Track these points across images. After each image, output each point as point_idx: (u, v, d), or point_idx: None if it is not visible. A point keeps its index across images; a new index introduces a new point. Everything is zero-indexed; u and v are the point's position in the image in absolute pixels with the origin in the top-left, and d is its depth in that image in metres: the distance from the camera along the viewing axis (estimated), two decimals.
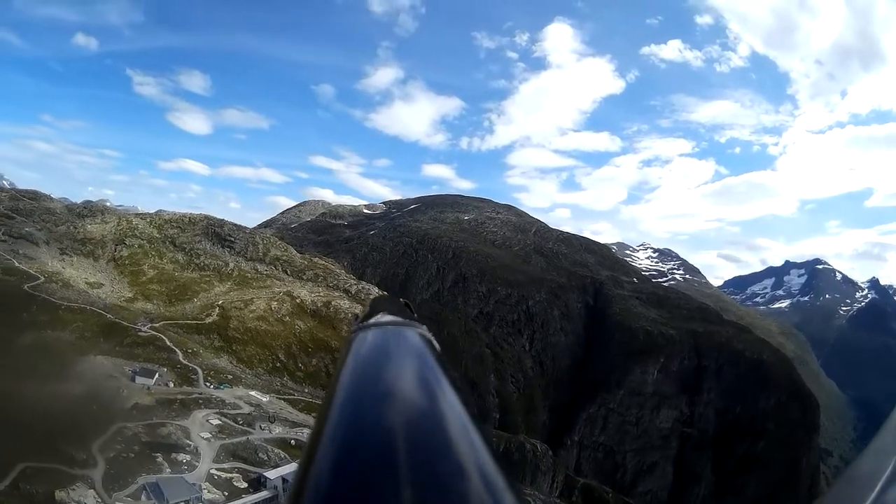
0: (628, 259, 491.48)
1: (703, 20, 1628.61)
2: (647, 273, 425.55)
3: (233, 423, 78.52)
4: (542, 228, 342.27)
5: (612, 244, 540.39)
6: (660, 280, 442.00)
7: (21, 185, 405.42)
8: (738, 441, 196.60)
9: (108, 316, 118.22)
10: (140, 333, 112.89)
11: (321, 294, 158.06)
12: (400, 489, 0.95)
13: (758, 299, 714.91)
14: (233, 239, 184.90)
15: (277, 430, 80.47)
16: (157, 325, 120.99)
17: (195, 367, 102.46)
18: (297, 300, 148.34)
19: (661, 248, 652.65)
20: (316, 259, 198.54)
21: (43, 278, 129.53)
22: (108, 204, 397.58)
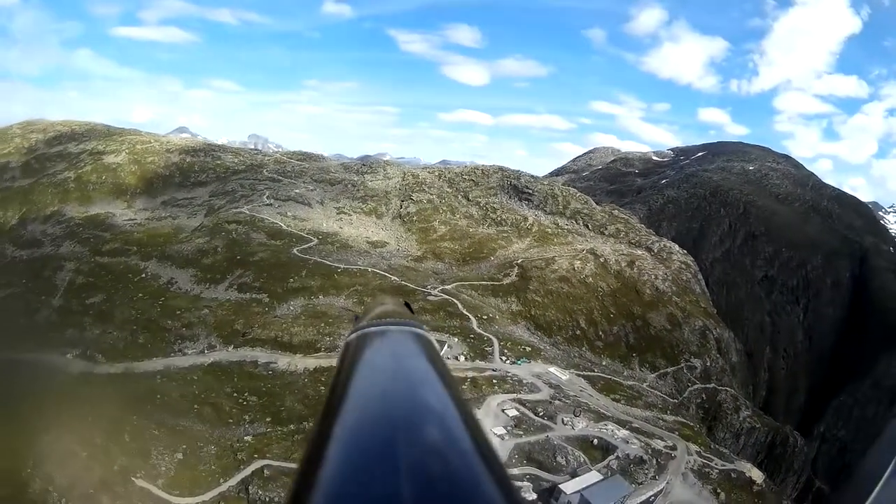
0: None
1: None
2: None
3: (531, 415, 67.78)
4: (817, 183, 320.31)
5: (867, 203, 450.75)
6: None
7: (290, 148, 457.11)
8: None
9: (393, 278, 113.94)
10: (429, 297, 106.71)
11: (624, 252, 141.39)
12: (401, 492, 0.96)
13: None
14: (530, 191, 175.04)
15: (581, 426, 67.56)
16: (449, 286, 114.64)
17: (490, 336, 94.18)
18: (601, 259, 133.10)
19: None
20: (616, 212, 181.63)
21: (316, 240, 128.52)
22: (386, 158, 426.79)
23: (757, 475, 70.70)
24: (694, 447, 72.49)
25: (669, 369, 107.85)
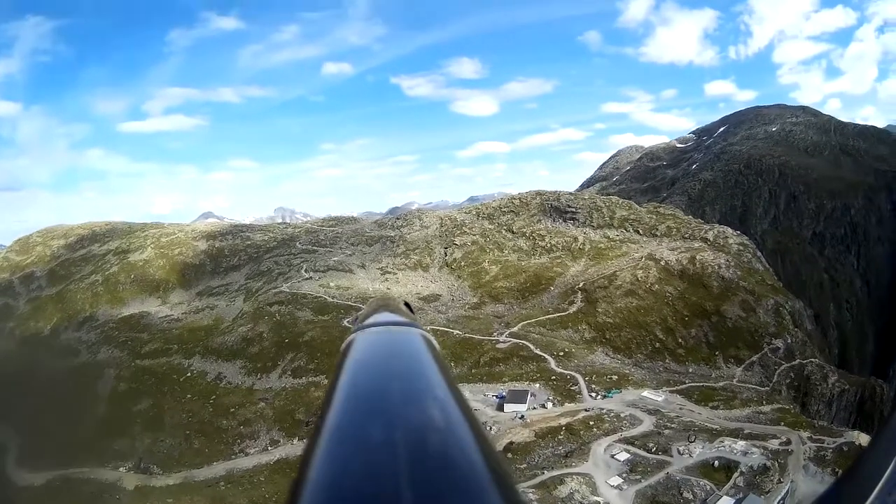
0: None
1: None
2: None
3: (644, 454, 67.02)
4: (838, 125, 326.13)
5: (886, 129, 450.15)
6: None
7: (318, 214, 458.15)
8: None
9: (455, 332, 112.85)
10: (498, 346, 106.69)
11: (681, 249, 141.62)
12: (401, 492, 0.95)
13: None
14: (574, 209, 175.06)
15: (698, 451, 67.10)
16: (516, 328, 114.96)
17: (572, 373, 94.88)
18: (661, 262, 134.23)
19: None
20: (661, 209, 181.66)
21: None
22: (415, 206, 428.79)
23: (865, 440, 70.89)
24: (805, 434, 72.52)
25: (754, 357, 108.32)
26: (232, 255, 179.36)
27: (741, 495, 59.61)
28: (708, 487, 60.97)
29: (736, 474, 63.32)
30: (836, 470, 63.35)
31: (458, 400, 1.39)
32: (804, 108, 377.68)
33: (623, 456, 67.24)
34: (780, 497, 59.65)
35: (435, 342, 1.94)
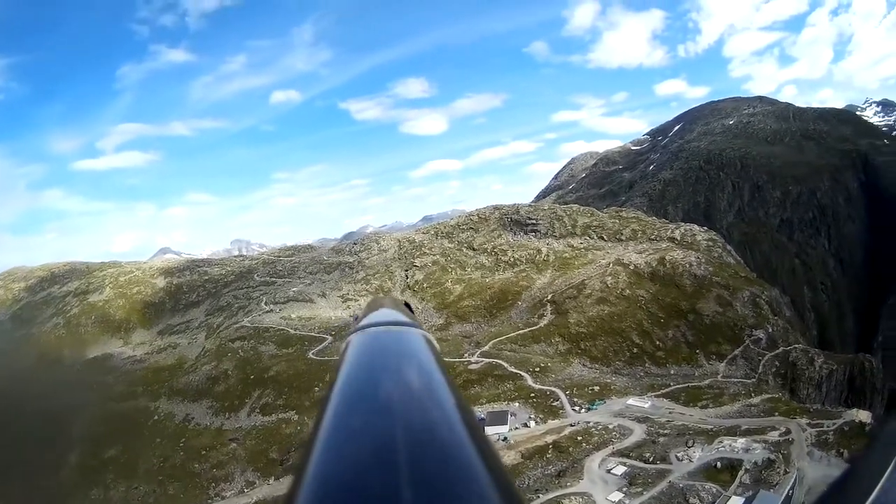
0: None
1: None
2: (884, 129, 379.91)
3: (641, 464, 63.71)
4: (797, 111, 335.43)
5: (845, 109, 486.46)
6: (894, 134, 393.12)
7: (274, 244, 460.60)
8: None
9: None
10: (471, 367, 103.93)
11: (649, 251, 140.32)
12: (400, 493, 0.95)
13: None
14: (534, 220, 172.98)
15: (697, 454, 64.10)
16: (487, 347, 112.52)
17: (551, 388, 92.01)
18: (630, 266, 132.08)
19: (880, 100, 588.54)
20: (623, 213, 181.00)
21: (330, 337, 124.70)
22: (369, 230, 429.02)
23: (864, 416, 71.49)
24: (803, 420, 71.84)
25: (737, 351, 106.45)
26: (190, 292, 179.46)
27: (750, 493, 56.79)
28: (714, 490, 57.88)
29: (741, 472, 60.63)
30: (841, 451, 63.01)
31: (458, 400, 1.40)
32: (761, 98, 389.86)
33: (620, 469, 63.75)
34: (789, 487, 57.57)
35: (435, 342, 1.95)
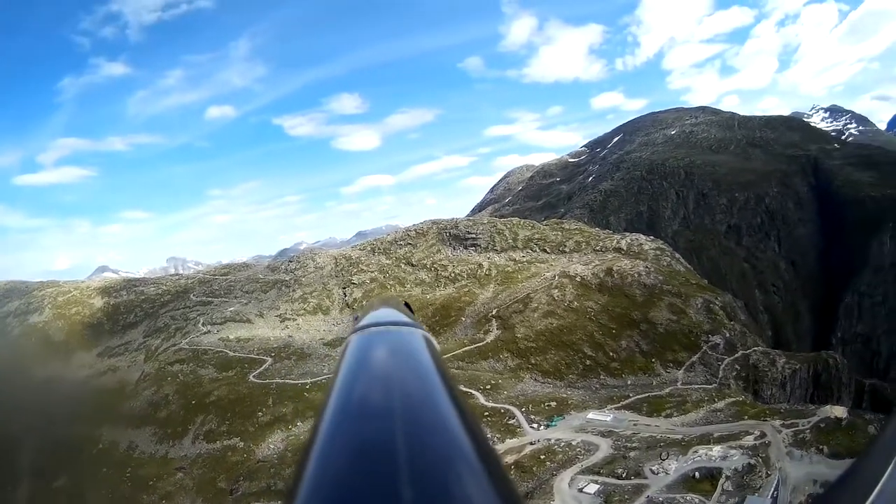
0: None
1: None
2: (833, 135, 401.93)
3: (615, 481, 59.66)
4: (742, 120, 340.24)
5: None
6: (843, 138, 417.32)
7: (210, 262, 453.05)
8: None
9: None
10: None
11: (595, 262, 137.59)
12: (400, 493, 0.96)
13: None
14: (474, 235, 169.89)
15: (673, 466, 60.34)
16: None
17: (505, 405, 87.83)
18: (577, 278, 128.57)
19: (828, 106, 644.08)
20: (565, 225, 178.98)
21: (270, 359, 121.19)
22: (303, 247, 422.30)
23: (839, 411, 70.67)
24: (776, 422, 69.39)
25: (694, 357, 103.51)
26: (128, 312, 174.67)
27: (736, 499, 54.45)
28: (697, 501, 54.56)
29: (722, 480, 57.48)
30: (821, 447, 61.79)
31: (458, 401, 1.40)
32: (703, 108, 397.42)
33: (592, 488, 59.34)
34: (773, 489, 55.58)
35: (435, 342, 1.95)
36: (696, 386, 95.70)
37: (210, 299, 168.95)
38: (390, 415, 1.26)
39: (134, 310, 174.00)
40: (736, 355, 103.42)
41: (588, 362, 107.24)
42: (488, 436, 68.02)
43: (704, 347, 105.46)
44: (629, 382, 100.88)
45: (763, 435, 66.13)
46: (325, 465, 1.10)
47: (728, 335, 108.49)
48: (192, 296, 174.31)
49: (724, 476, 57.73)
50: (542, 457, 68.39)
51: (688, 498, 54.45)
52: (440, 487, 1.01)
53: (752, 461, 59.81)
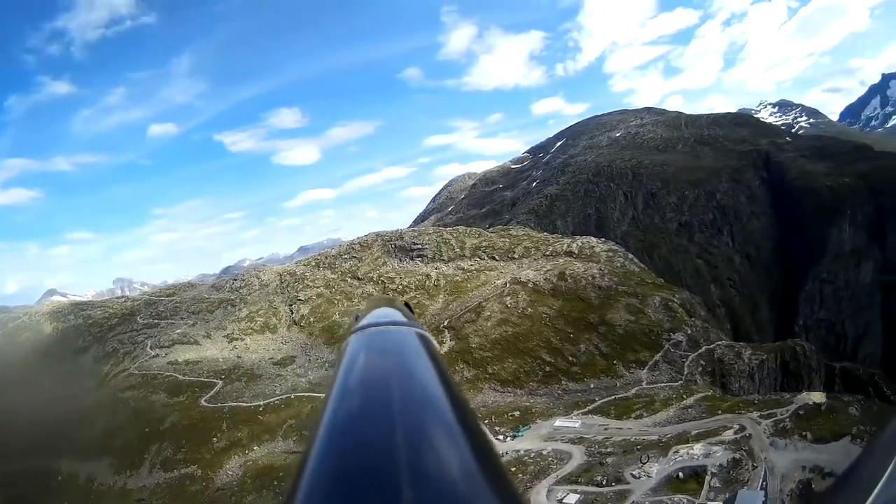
0: None
1: None
2: (783, 128, 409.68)
3: (595, 489, 57.09)
4: (689, 119, 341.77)
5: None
6: (794, 131, 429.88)
7: (156, 282, 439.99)
8: None
9: (320, 396, 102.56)
10: None
11: (547, 267, 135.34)
12: (401, 493, 0.96)
13: (873, 123, 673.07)
14: (419, 245, 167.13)
15: (654, 468, 58.01)
16: None
17: None
18: (529, 284, 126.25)
19: (776, 101, 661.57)
20: (512, 231, 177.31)
21: (220, 381, 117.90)
22: (246, 263, 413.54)
23: (818, 396, 71.33)
24: (754, 414, 68.96)
25: (657, 356, 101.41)
26: (77, 338, 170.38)
27: (725, 495, 52.40)
28: (685, 501, 52.71)
29: (708, 478, 55.83)
30: (804, 434, 61.65)
31: (458, 400, 1.40)
32: (648, 109, 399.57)
33: (573, 498, 56.61)
34: (761, 480, 54.61)
35: (434, 342, 1.94)
36: (662, 384, 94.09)
37: (157, 321, 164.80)
38: (390, 415, 1.26)
39: (83, 335, 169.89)
40: (700, 351, 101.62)
41: (548, 368, 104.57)
42: (489, 436, 63.51)
43: (667, 345, 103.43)
44: (592, 386, 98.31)
45: (742, 428, 65.40)
46: (324, 464, 1.10)
47: (690, 331, 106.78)
48: (138, 318, 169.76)
49: (709, 473, 55.94)
50: (514, 469, 65.19)
51: (675, 499, 52.11)
52: (440, 487, 1.01)
53: (737, 455, 58.31)
